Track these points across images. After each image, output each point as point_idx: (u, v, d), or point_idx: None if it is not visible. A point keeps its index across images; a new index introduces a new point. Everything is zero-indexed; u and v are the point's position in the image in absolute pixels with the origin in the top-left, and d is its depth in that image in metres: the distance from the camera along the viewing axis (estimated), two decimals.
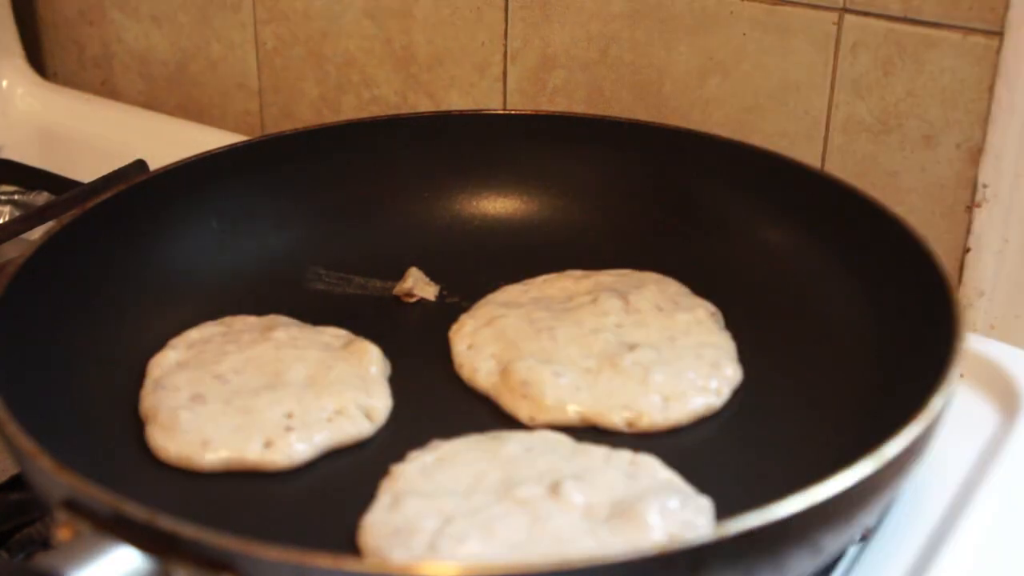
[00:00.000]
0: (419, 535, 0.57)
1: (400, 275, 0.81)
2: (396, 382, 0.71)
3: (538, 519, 0.57)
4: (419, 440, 0.65)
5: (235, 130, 1.11)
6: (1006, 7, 0.76)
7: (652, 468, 0.62)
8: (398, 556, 0.56)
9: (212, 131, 1.10)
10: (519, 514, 0.57)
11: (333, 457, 0.66)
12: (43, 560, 0.49)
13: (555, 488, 0.59)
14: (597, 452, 0.63)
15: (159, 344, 0.72)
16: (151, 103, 1.18)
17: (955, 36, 0.78)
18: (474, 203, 0.85)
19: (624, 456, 0.63)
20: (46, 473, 0.53)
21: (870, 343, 0.70)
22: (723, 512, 0.59)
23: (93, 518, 0.51)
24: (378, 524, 0.59)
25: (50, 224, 0.74)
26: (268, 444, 0.65)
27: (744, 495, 0.56)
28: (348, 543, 0.59)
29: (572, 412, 0.67)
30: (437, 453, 0.63)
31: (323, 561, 0.49)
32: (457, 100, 1.00)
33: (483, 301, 0.77)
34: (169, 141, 1.04)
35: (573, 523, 0.57)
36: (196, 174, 0.79)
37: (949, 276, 0.66)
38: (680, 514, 0.57)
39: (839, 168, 0.84)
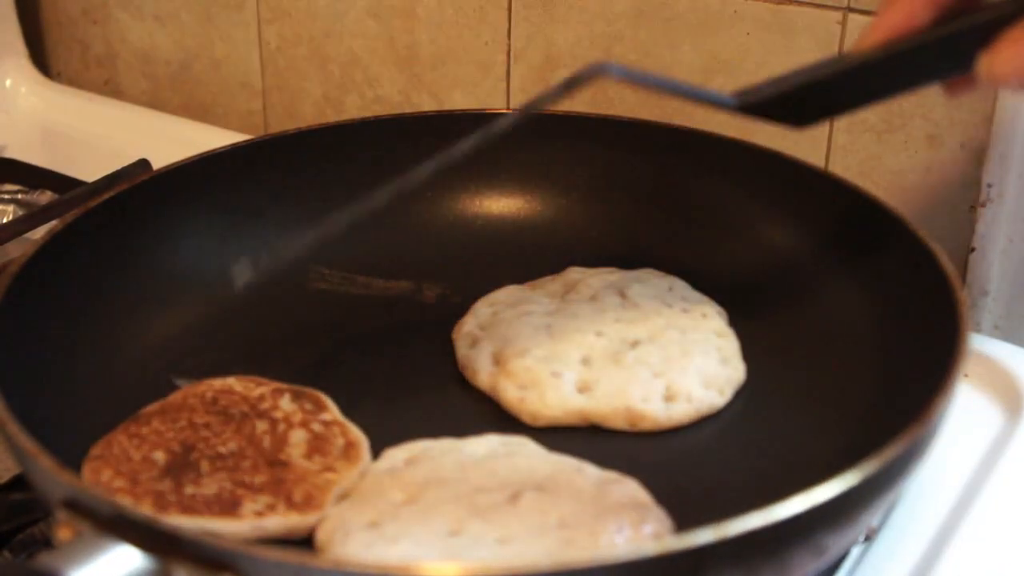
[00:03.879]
0: (361, 532, 0.56)
1: (403, 274, 0.80)
2: (398, 382, 0.71)
3: (488, 524, 0.56)
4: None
5: (238, 129, 1.11)
6: None
7: (622, 485, 0.60)
8: (339, 552, 0.56)
9: (215, 130, 1.10)
10: (467, 520, 0.57)
11: None
12: (44, 560, 0.49)
13: (515, 498, 0.58)
14: (569, 464, 0.62)
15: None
16: (155, 102, 1.18)
17: None
18: (477, 202, 0.85)
19: (597, 472, 0.61)
20: (47, 473, 0.53)
21: (873, 342, 0.70)
22: (725, 512, 0.59)
23: (94, 518, 0.51)
24: (332, 519, 0.58)
25: (53, 223, 0.74)
26: None
27: (747, 495, 0.56)
28: None
29: (573, 412, 0.67)
30: (410, 453, 0.63)
31: (324, 562, 0.49)
32: (460, 100, 0.99)
33: (485, 300, 0.76)
34: (172, 140, 1.04)
35: (523, 532, 0.56)
36: (199, 173, 0.79)
37: (953, 276, 0.66)
38: (636, 536, 0.56)
39: (843, 168, 0.84)
